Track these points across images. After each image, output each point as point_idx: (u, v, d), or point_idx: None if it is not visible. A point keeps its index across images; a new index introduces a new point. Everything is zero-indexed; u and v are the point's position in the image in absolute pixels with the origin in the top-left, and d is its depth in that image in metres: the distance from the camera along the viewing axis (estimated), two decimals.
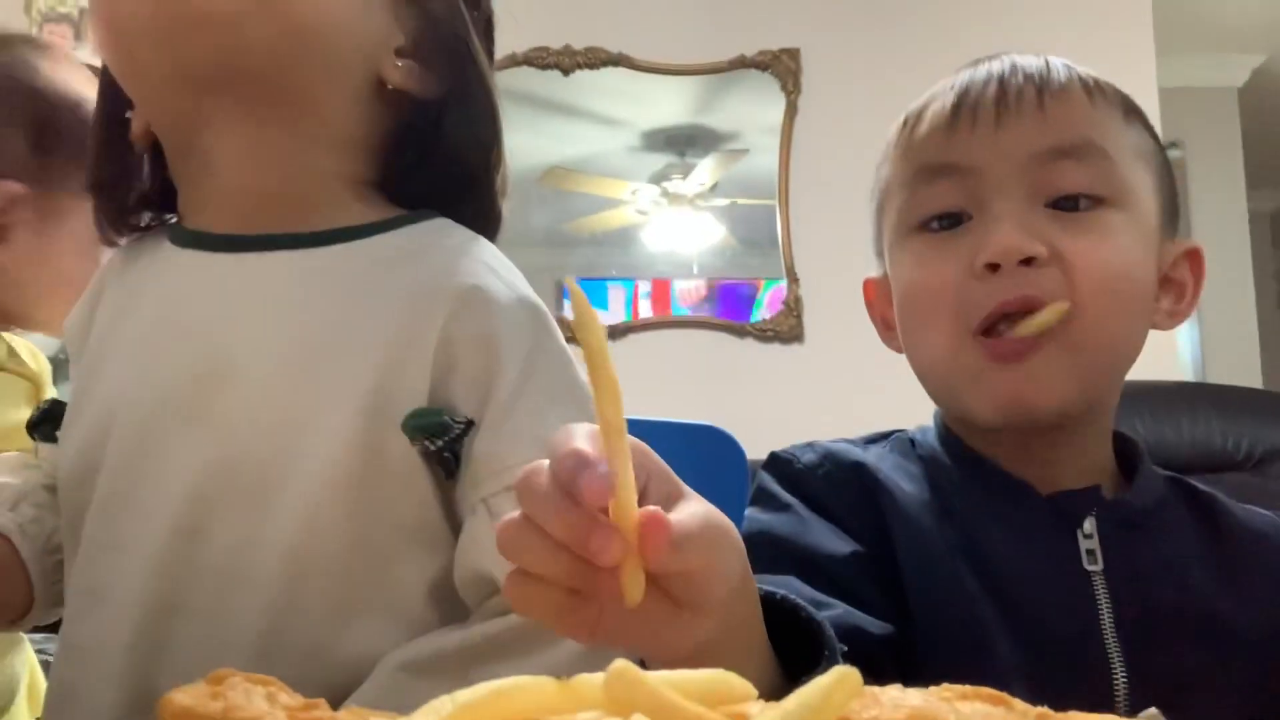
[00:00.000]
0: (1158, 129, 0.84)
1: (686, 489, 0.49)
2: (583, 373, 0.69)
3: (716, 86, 3.35)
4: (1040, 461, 0.77)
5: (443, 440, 0.66)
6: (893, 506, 0.76)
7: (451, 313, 0.68)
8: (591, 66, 3.31)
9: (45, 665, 1.08)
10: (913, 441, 0.83)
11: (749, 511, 0.79)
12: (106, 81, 0.78)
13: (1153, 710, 0.53)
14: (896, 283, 0.80)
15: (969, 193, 0.75)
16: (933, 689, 0.35)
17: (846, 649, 0.57)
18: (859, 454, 0.81)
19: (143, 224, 0.80)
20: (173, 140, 0.75)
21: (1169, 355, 3.06)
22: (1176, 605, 0.73)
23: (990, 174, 0.74)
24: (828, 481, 0.78)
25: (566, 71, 3.30)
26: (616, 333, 3.22)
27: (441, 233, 0.75)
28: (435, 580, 0.69)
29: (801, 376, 3.08)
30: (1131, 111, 0.79)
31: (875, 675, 0.32)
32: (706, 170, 3.33)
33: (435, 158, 0.76)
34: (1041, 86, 0.75)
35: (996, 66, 0.78)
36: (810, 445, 0.82)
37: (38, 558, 0.74)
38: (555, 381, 0.71)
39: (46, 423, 0.77)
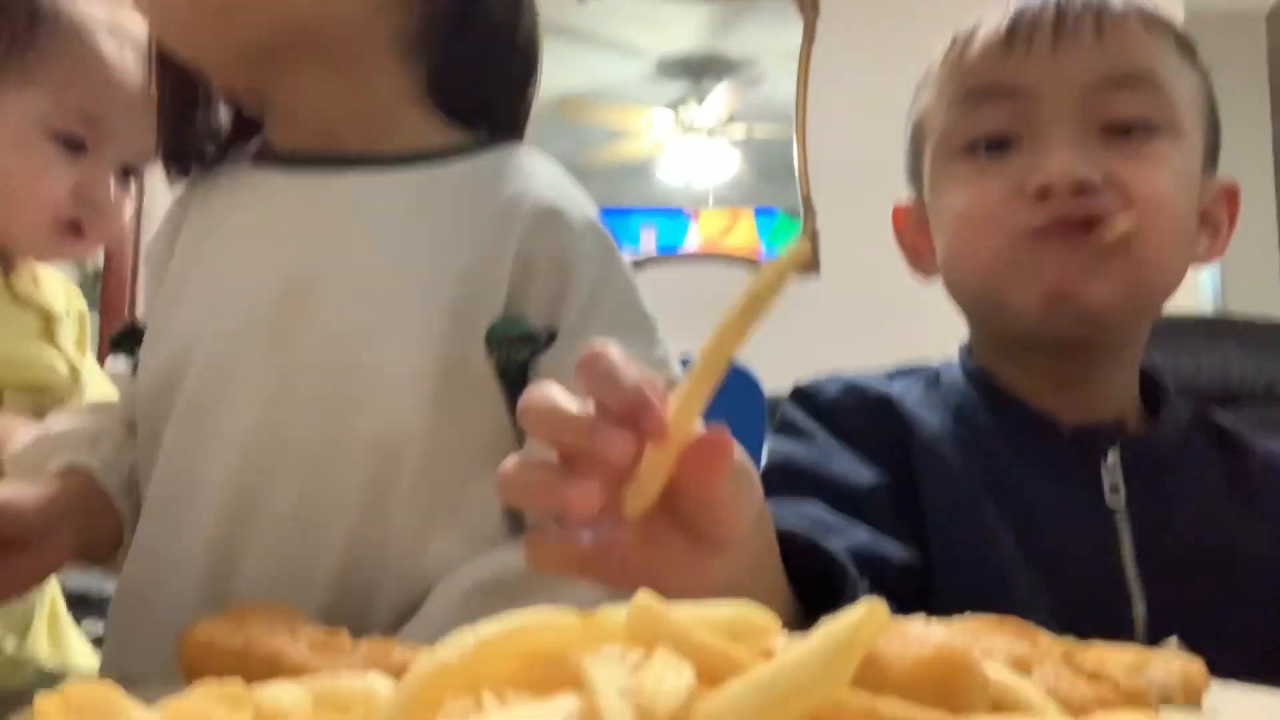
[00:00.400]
0: None
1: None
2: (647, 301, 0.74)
3: (734, 10, 3.30)
4: (1068, 390, 0.77)
5: (526, 351, 0.69)
6: (916, 439, 0.76)
7: (527, 232, 0.71)
8: None
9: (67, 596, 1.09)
10: (938, 375, 0.83)
11: (771, 442, 0.80)
12: (162, 50, 0.80)
13: (1173, 639, 0.53)
14: (940, 208, 0.79)
15: (1021, 116, 0.74)
16: (957, 621, 0.35)
17: (867, 580, 0.58)
18: (884, 387, 0.81)
19: (226, 156, 0.82)
20: (243, 99, 0.80)
21: (1189, 287, 3.03)
22: (1197, 539, 0.73)
23: (1045, 98, 0.73)
24: (852, 413, 0.79)
25: None
26: (634, 265, 3.20)
27: (514, 157, 0.78)
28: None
29: (818, 310, 3.06)
30: (1184, 45, 0.78)
31: (896, 604, 0.32)
32: (722, 97, 3.29)
33: (464, 47, 0.78)
34: (1100, 13, 0.75)
35: None
36: (835, 378, 0.82)
37: (123, 493, 0.76)
38: (621, 308, 0.73)
39: (128, 339, 0.79)
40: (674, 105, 3.30)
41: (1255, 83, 4.59)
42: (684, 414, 0.41)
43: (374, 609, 0.68)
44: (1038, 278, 0.72)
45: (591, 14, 3.26)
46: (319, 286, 0.71)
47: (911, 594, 0.68)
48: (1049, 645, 0.34)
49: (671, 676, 0.22)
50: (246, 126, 0.82)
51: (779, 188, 3.26)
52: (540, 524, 0.45)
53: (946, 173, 0.78)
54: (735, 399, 0.90)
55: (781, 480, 0.75)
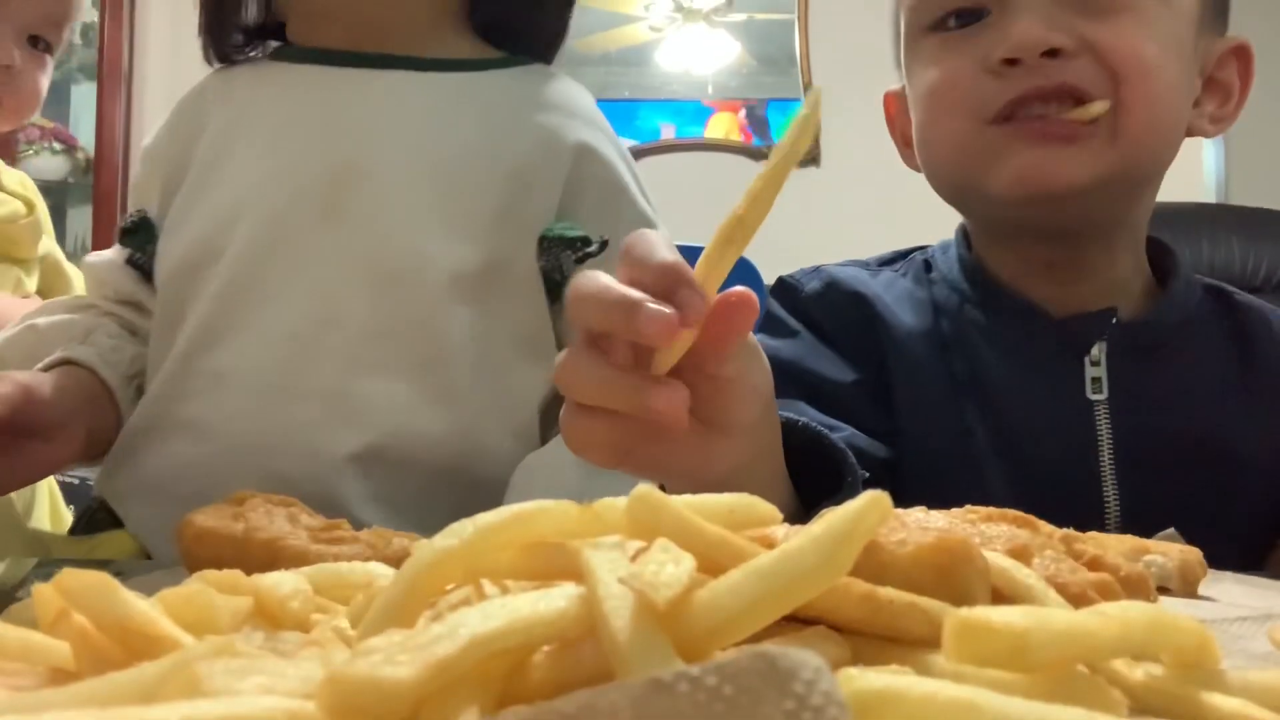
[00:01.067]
0: None
1: None
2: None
3: None
4: (1060, 277, 0.74)
5: (580, 253, 0.72)
6: (890, 339, 0.75)
7: (576, 160, 0.74)
8: None
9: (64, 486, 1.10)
10: (929, 264, 0.81)
11: (757, 337, 0.79)
12: None
13: (1171, 530, 0.53)
14: (911, 87, 0.76)
15: None
16: (956, 510, 0.35)
17: (868, 475, 0.58)
18: (863, 281, 0.79)
19: (248, 50, 0.84)
20: None
21: (1193, 174, 3.00)
22: (1181, 433, 0.71)
23: None
24: (830, 309, 0.77)
25: None
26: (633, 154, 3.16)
27: (554, 79, 0.81)
28: (545, 397, 0.75)
29: (819, 200, 3.03)
30: None
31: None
32: None
33: None
34: None
35: None
36: (816, 271, 0.81)
37: (122, 385, 0.77)
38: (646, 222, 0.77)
39: (139, 232, 0.79)
40: None
41: None
42: (711, 275, 0.41)
43: (405, 488, 0.70)
44: (1010, 162, 0.69)
45: None
46: (370, 173, 0.72)
47: (893, 486, 0.68)
48: (1049, 533, 0.34)
49: (671, 565, 0.22)
50: (263, 29, 0.84)
51: (780, 75, 3.20)
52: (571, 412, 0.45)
53: (916, 51, 0.75)
54: (733, 285, 0.89)
55: None
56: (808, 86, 3.14)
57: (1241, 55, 0.76)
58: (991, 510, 0.34)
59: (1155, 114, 0.69)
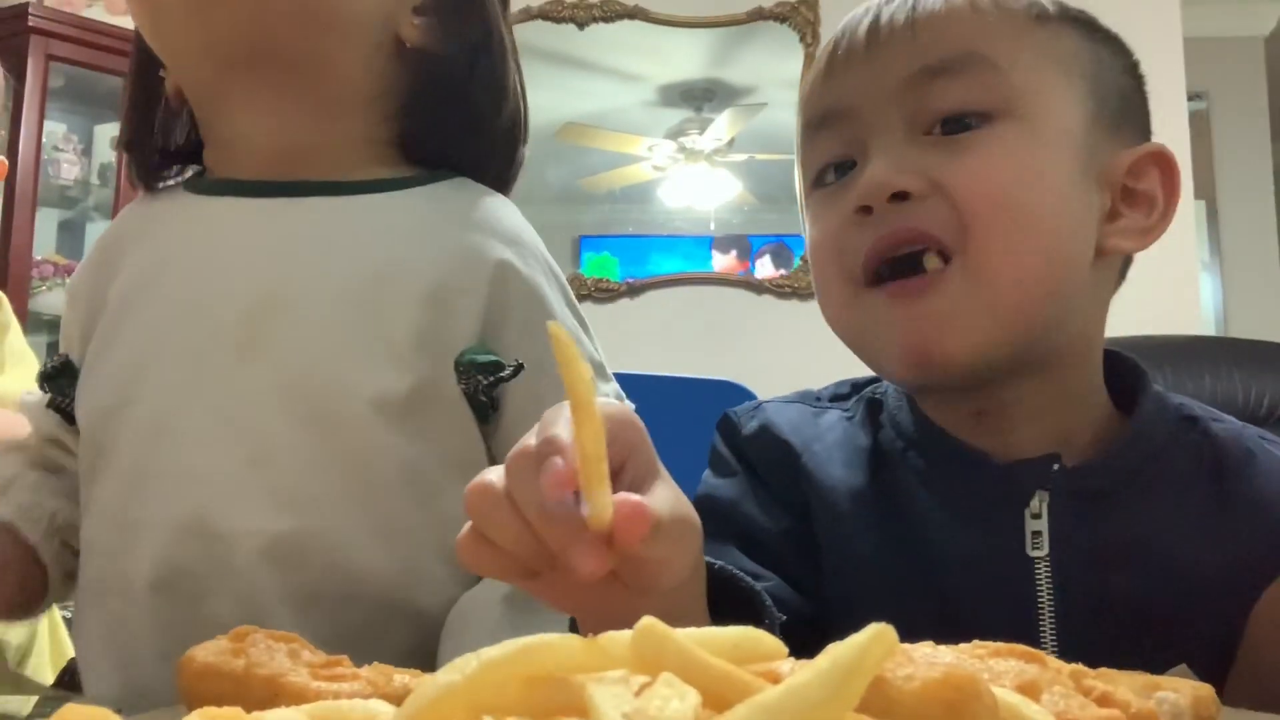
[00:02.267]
0: (1182, 79, 0.80)
1: (662, 470, 0.48)
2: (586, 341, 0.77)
3: (734, 39, 3.32)
4: (994, 423, 0.69)
5: (492, 378, 0.70)
6: (816, 493, 0.72)
7: (498, 276, 0.72)
8: (607, 19, 3.28)
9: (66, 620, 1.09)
10: (881, 403, 0.76)
11: (705, 473, 0.77)
12: (143, 40, 0.80)
13: (1182, 666, 0.52)
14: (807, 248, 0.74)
15: (849, 138, 0.69)
16: (964, 646, 0.34)
17: (785, 619, 0.57)
18: (798, 427, 0.75)
19: (171, 177, 0.83)
20: (200, 104, 0.78)
21: (1191, 309, 3.02)
22: (1131, 591, 0.64)
23: (864, 112, 0.68)
24: (762, 453, 0.75)
25: (581, 25, 3.27)
26: (634, 290, 3.21)
27: (465, 190, 0.78)
28: None
29: (820, 332, 3.05)
30: (1049, 16, 0.69)
31: (796, 653, 0.32)
32: (724, 125, 3.30)
33: (453, 113, 0.78)
34: (914, 7, 0.68)
35: (874, 6, 0.71)
36: (757, 410, 0.77)
37: (45, 540, 0.75)
38: (590, 354, 0.77)
39: (61, 376, 0.77)
40: (675, 133, 3.32)
41: (1255, 106, 4.61)
42: (595, 499, 0.40)
43: (348, 627, 0.67)
44: (891, 339, 0.66)
45: (592, 42, 3.28)
46: (288, 303, 0.70)
47: (808, 644, 0.66)
48: (1057, 669, 0.34)
49: (676, 701, 0.22)
50: (182, 153, 0.83)
51: (780, 212, 3.27)
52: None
53: (807, 212, 0.73)
54: None
55: (703, 515, 0.72)
56: None
57: (1162, 163, 0.70)
58: (999, 645, 0.34)
59: (1017, 250, 0.64)
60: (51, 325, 2.86)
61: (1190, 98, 3.48)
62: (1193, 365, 2.43)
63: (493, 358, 0.71)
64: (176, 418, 0.69)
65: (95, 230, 3.13)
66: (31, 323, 2.78)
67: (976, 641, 0.35)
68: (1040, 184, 0.65)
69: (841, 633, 0.65)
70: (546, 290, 0.75)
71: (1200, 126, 4.23)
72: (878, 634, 0.23)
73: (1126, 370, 0.72)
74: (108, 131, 3.08)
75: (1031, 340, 0.66)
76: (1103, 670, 0.38)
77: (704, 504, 0.72)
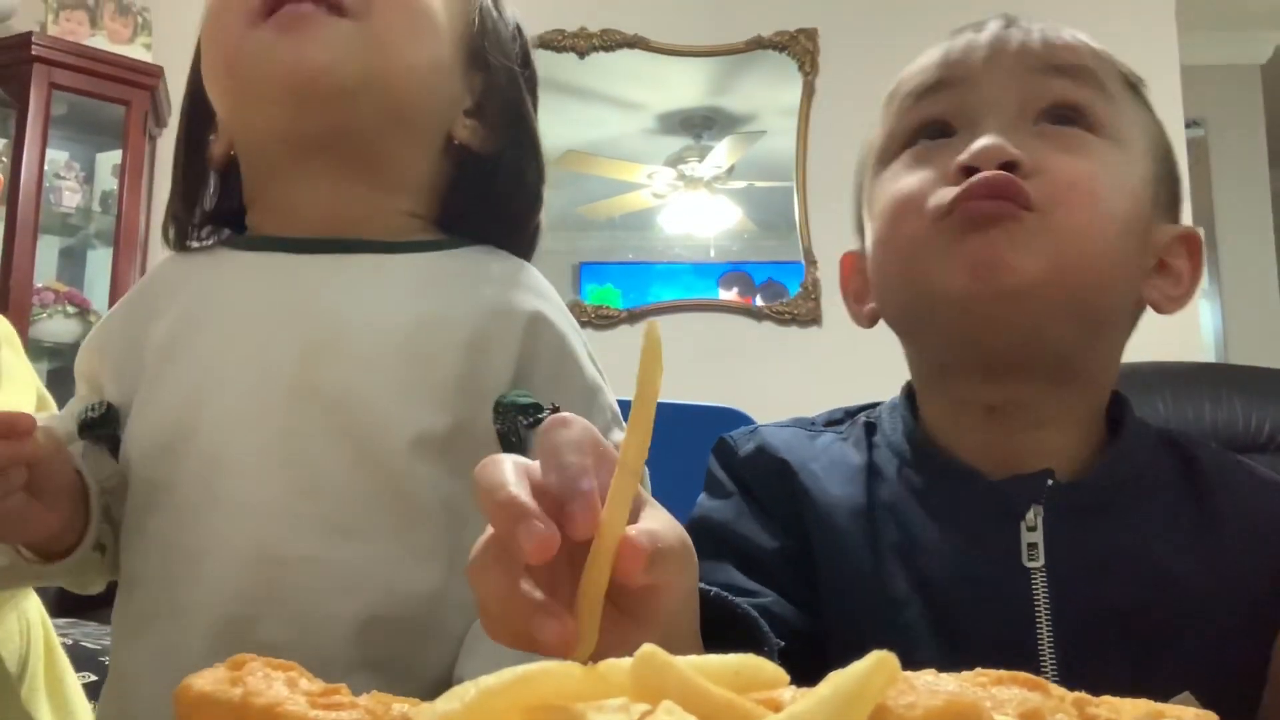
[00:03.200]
0: (1179, 107, 0.83)
1: (649, 498, 0.49)
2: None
3: (733, 68, 3.34)
4: (1001, 422, 0.72)
5: (532, 419, 0.74)
6: (812, 508, 0.73)
7: (527, 334, 0.78)
8: (607, 49, 3.30)
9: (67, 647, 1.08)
10: (875, 425, 0.79)
11: (700, 496, 0.78)
12: (194, 101, 0.86)
13: (1186, 694, 0.52)
14: (874, 207, 0.76)
15: (959, 106, 0.72)
16: (966, 674, 0.34)
17: (783, 644, 0.58)
18: (794, 448, 0.77)
19: (206, 237, 0.87)
20: (260, 173, 0.83)
21: (1191, 335, 3.03)
22: (1125, 602, 0.67)
23: (982, 85, 0.72)
24: (759, 474, 0.76)
25: (582, 54, 3.29)
26: (634, 316, 3.22)
27: (496, 254, 0.85)
28: None
29: (819, 359, 3.07)
30: (1133, 82, 0.76)
31: (797, 670, 0.32)
32: (723, 153, 3.32)
33: (488, 200, 0.86)
34: (1043, 29, 0.74)
35: (988, 22, 0.76)
36: (753, 432, 0.79)
37: (97, 494, 0.76)
38: (609, 404, 0.81)
39: (103, 425, 0.79)
40: (675, 160, 3.33)
41: (1253, 134, 4.63)
42: (614, 516, 0.41)
43: (394, 649, 0.71)
44: (959, 253, 0.68)
45: (593, 70, 3.30)
46: (338, 352, 0.74)
47: (807, 660, 0.67)
48: (1060, 696, 0.34)
49: None
50: (233, 215, 0.87)
51: (780, 240, 3.28)
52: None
53: (881, 175, 0.75)
54: None
55: (699, 537, 0.73)
56: (807, 250, 3.21)
57: (1190, 243, 0.76)
58: (1002, 673, 0.34)
59: (1088, 229, 0.68)
60: (52, 352, 2.86)
61: (1188, 125, 3.50)
62: (1193, 392, 2.43)
63: (532, 400, 0.75)
64: (234, 452, 0.73)
65: (96, 257, 3.13)
66: (32, 349, 2.78)
67: (979, 670, 0.35)
68: (1121, 197, 0.70)
69: (841, 650, 0.64)
70: (573, 344, 0.80)
71: (1198, 153, 4.25)
72: (880, 662, 0.23)
73: (1111, 398, 0.76)
74: (109, 159, 3.09)
75: (1080, 324, 0.70)
76: (1106, 699, 0.38)
77: (700, 525, 0.74)
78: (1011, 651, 0.65)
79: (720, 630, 0.56)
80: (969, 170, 0.68)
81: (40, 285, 2.88)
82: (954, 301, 0.69)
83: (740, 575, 0.69)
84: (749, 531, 0.73)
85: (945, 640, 0.68)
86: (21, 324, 2.74)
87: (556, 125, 3.24)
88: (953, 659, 0.65)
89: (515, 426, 0.75)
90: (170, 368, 0.77)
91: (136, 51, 3.01)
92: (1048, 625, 0.66)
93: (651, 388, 0.40)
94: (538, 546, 0.40)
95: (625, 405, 0.79)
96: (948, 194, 0.68)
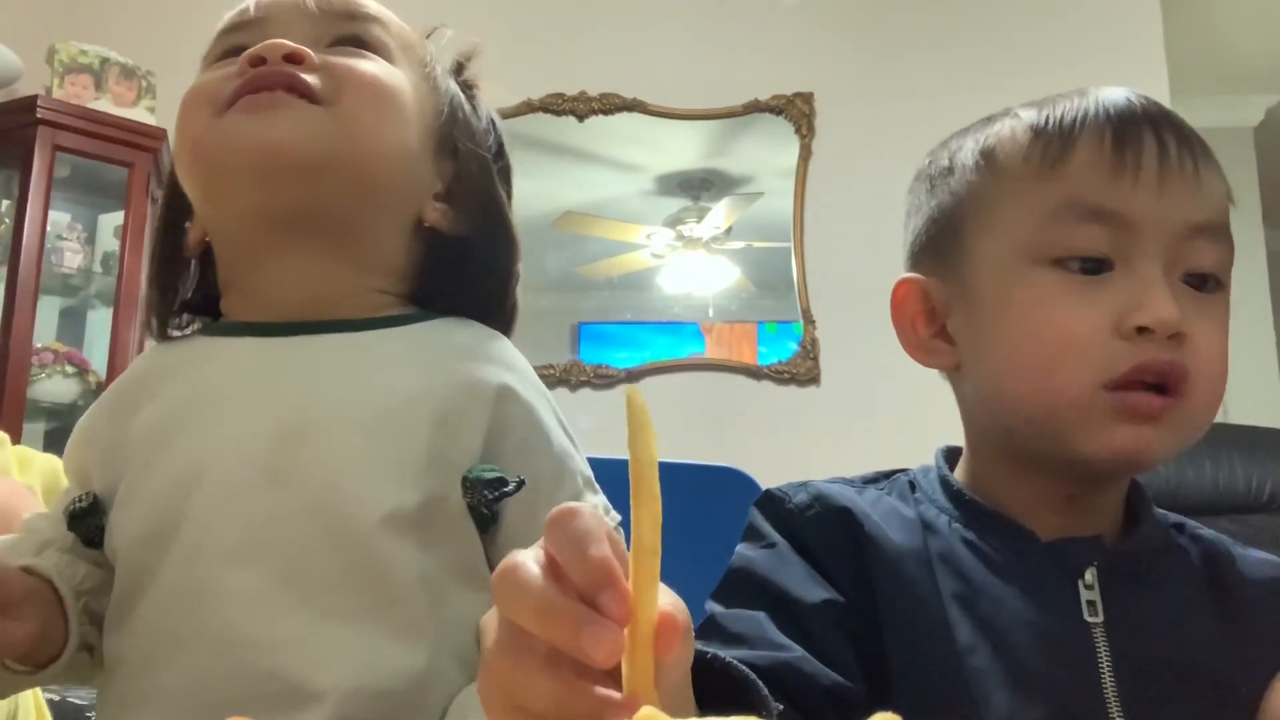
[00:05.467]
0: None
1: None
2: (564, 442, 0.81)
3: (730, 131, 3.37)
4: (1078, 506, 0.76)
5: (496, 493, 0.76)
6: (878, 555, 0.74)
7: (497, 404, 0.79)
8: (606, 112, 3.34)
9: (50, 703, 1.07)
10: (913, 484, 0.81)
11: (738, 547, 0.78)
12: (172, 192, 0.88)
13: None
14: (1006, 313, 0.75)
15: (1117, 243, 0.72)
16: None
17: (781, 708, 0.58)
18: (850, 498, 0.78)
19: (186, 324, 0.89)
20: (234, 258, 0.85)
21: None
22: (1176, 659, 0.71)
23: (1146, 233, 0.72)
24: (815, 524, 0.77)
25: (581, 117, 3.32)
26: (633, 376, 3.22)
27: (467, 326, 0.86)
28: (480, 617, 0.76)
29: (818, 418, 3.06)
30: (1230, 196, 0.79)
31: None
32: (721, 214, 3.34)
33: (460, 281, 0.88)
34: (1194, 155, 0.75)
35: (1139, 107, 0.75)
36: (804, 485, 0.80)
37: (73, 599, 0.77)
38: (570, 465, 0.82)
39: (90, 516, 0.80)
40: (673, 221, 3.35)
41: (1247, 195, 4.67)
42: (646, 596, 0.41)
43: None
44: (1115, 439, 0.71)
45: (591, 133, 3.33)
46: (312, 434, 0.76)
47: (835, 716, 0.66)
48: None
49: None
50: (209, 302, 0.88)
51: (779, 299, 3.29)
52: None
53: (1026, 281, 0.74)
54: (739, 506, 0.89)
55: (737, 586, 0.74)
56: (805, 310, 3.22)
57: None
58: None
59: (1217, 402, 0.74)
60: (50, 412, 2.86)
61: None
62: (1194, 452, 2.42)
63: (497, 473, 0.76)
64: (216, 541, 0.74)
65: (96, 318, 3.14)
66: (30, 410, 2.78)
67: None
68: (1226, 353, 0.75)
69: (904, 701, 0.63)
70: (542, 413, 0.81)
71: None
72: None
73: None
74: (111, 220, 3.11)
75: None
76: None
77: (739, 574, 0.75)
78: (1077, 702, 0.69)
79: (719, 692, 0.55)
80: (1141, 329, 0.70)
81: (39, 345, 2.88)
82: (1084, 461, 0.73)
83: (771, 627, 0.69)
84: (789, 583, 0.73)
85: (1014, 687, 0.69)
86: (20, 384, 2.73)
87: (556, 187, 3.26)
88: (1023, 706, 0.68)
89: (482, 500, 0.76)
90: (155, 459, 0.78)
91: (140, 114, 3.04)
92: (1110, 678, 0.70)
93: (648, 457, 0.39)
94: (611, 650, 0.40)
95: (622, 464, 0.79)
96: (1119, 362, 0.70)
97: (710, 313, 3.34)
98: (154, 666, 0.74)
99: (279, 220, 0.80)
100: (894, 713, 0.54)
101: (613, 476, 0.87)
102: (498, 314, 0.90)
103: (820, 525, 0.76)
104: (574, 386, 3.18)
